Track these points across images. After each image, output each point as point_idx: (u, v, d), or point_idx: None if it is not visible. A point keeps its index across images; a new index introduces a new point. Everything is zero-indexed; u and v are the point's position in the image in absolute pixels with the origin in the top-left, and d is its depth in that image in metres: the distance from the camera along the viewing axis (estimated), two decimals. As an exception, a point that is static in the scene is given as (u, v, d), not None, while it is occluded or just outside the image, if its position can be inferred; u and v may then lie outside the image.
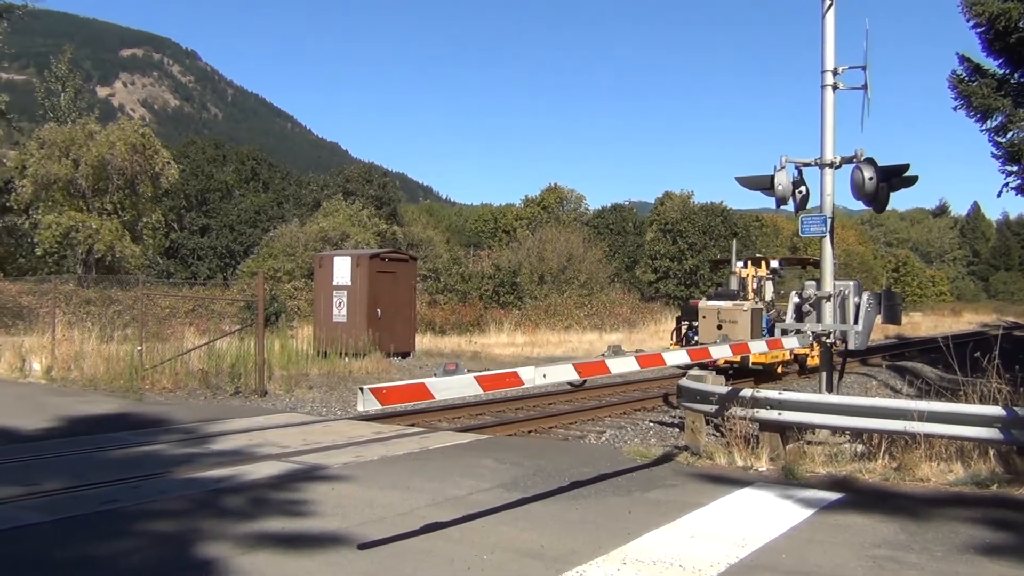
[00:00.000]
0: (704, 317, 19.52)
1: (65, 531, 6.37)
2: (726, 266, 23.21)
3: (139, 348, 16.90)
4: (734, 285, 21.23)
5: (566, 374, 6.81)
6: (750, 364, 18.10)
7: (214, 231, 57.88)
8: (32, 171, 37.39)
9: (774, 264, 22.38)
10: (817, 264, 27.82)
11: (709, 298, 20.80)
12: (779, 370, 19.44)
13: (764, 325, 19.80)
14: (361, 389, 5.09)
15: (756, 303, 19.84)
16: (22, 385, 16.41)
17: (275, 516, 6.80)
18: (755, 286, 21.61)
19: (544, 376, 6.34)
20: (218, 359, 17.04)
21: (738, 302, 19.61)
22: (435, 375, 5.62)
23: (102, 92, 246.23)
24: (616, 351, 14.18)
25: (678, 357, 8.30)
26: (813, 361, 19.55)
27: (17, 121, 38.92)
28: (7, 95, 39.52)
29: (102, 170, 38.10)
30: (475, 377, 5.86)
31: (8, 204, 39.84)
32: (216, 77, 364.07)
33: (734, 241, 23.86)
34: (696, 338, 19.85)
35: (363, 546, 5.94)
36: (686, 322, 20.88)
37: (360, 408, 5.15)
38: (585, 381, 13.02)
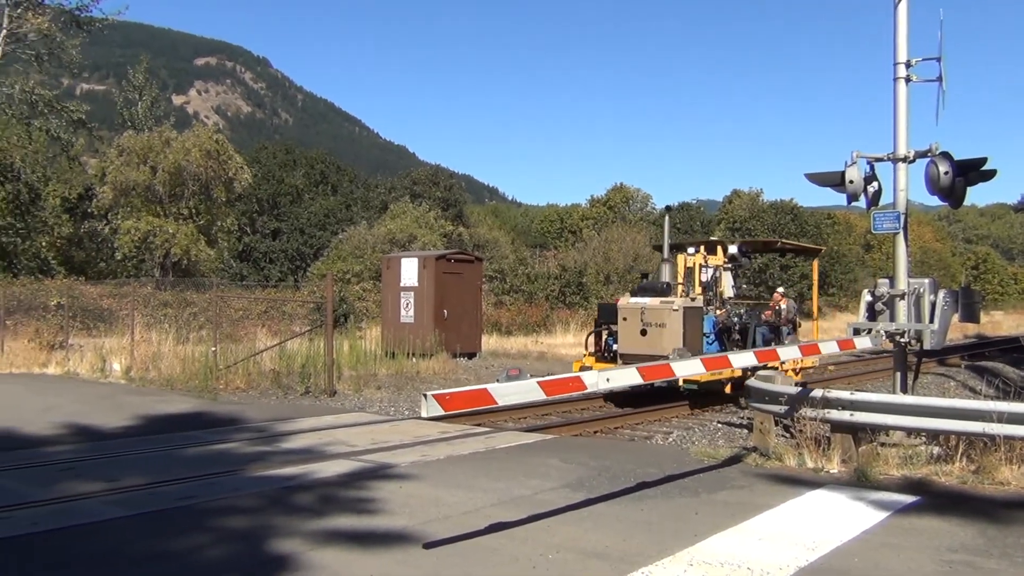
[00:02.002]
0: (624, 319, 15.04)
1: (143, 526, 6.58)
2: (679, 252, 18.00)
3: (213, 349, 17.35)
4: (666, 276, 16.42)
5: (630, 378, 6.77)
6: (680, 384, 13.94)
7: (285, 234, 59.03)
8: (112, 178, 38.69)
9: (732, 250, 17.70)
10: (799, 251, 23.20)
11: (633, 294, 16.00)
12: (727, 390, 15.03)
13: (710, 329, 15.81)
14: (424, 395, 5.15)
15: (692, 300, 15.39)
16: (103, 385, 16.98)
17: (344, 513, 6.92)
18: (705, 277, 17.02)
19: (608, 380, 6.31)
20: (289, 359, 17.40)
21: (667, 299, 15.01)
22: (498, 380, 5.65)
23: (177, 100, 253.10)
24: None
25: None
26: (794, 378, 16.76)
27: (97, 130, 40.31)
28: (87, 105, 41.01)
29: (178, 176, 39.23)
30: (538, 382, 5.86)
31: (89, 210, 41.36)
32: (287, 83, 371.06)
33: (666, 217, 17.78)
34: (615, 346, 15.45)
35: (429, 544, 6.00)
36: (607, 326, 16.22)
37: (424, 414, 5.21)
38: (651, 384, 12.92)
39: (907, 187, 10.06)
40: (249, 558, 5.76)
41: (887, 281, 10.40)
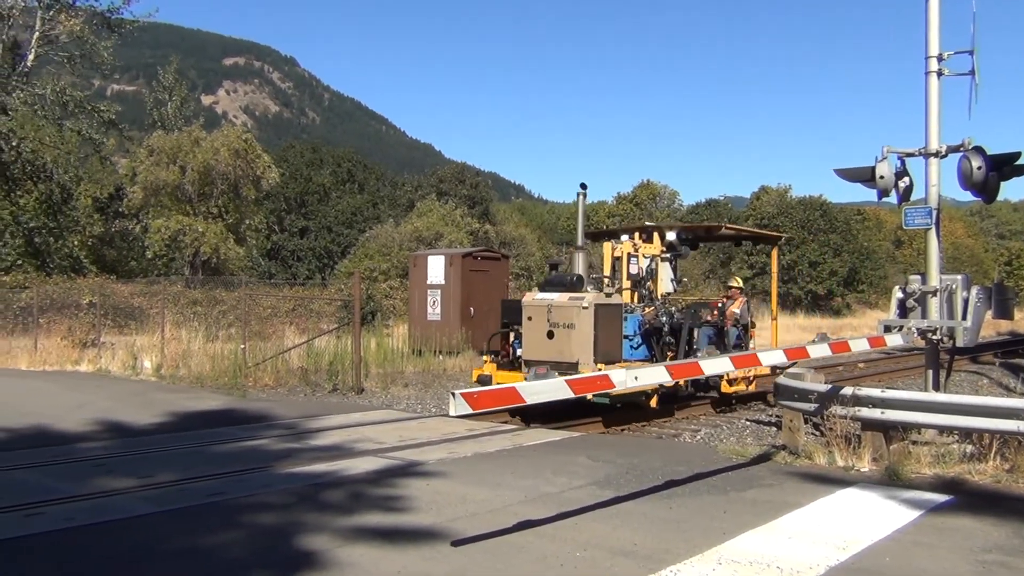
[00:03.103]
0: (529, 318, 12.64)
1: (175, 522, 6.64)
2: (606, 239, 15.33)
3: (242, 347, 17.50)
4: (579, 267, 13.42)
5: (658, 376, 6.76)
6: (589, 396, 10.44)
7: (313, 232, 59.38)
8: (142, 178, 39.15)
9: (671, 236, 15.01)
10: (756, 239, 19.27)
11: (540, 288, 13.38)
12: (652, 403, 12.82)
13: (634, 330, 13.33)
14: (453, 394, 5.16)
15: (608, 295, 12.74)
16: (134, 382, 17.17)
17: (372, 510, 6.94)
18: (635, 269, 14.46)
19: (636, 378, 6.29)
20: (317, 357, 17.51)
21: (577, 294, 12.45)
22: (526, 379, 5.64)
23: (206, 100, 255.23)
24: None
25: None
26: (730, 388, 14.32)
27: (128, 130, 40.77)
28: (118, 106, 41.51)
29: (207, 175, 39.62)
30: (566, 381, 5.86)
31: (120, 209, 41.90)
32: (314, 83, 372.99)
33: (580, 196, 14.19)
34: (519, 351, 12.98)
35: (457, 542, 6.01)
36: (514, 327, 13.40)
37: (452, 413, 5.21)
38: (678, 383, 12.71)
39: (939, 182, 9.96)
40: (279, 554, 5.80)
41: (919, 278, 10.28)
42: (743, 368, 11.00)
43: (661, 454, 9.67)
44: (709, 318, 14.49)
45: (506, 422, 12.53)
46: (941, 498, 7.35)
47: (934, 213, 9.90)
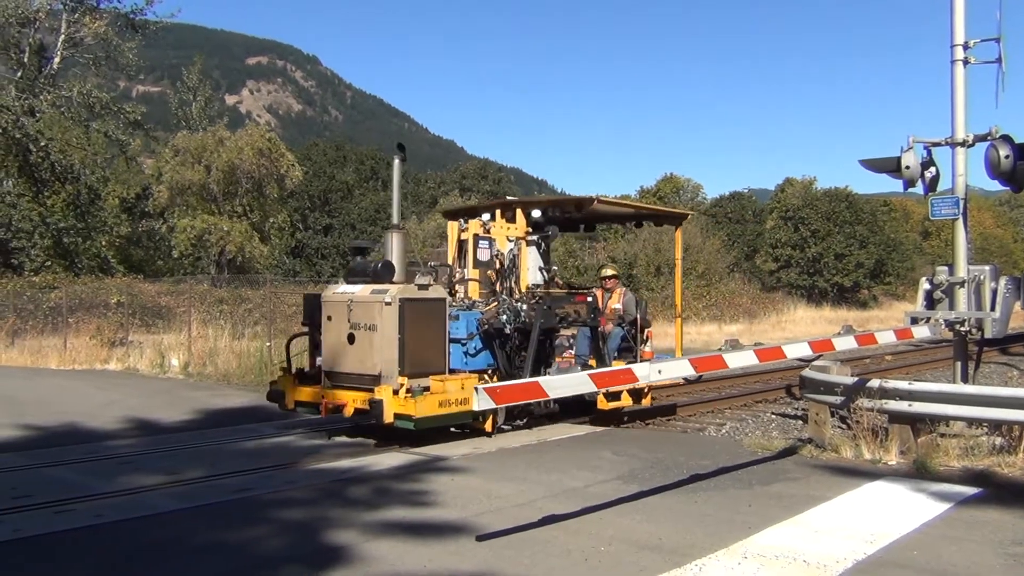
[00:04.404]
0: (329, 317, 10.16)
1: (203, 518, 6.71)
2: (464, 216, 12.15)
3: (268, 344, 17.62)
4: (393, 252, 10.54)
5: (682, 370, 6.75)
6: (389, 420, 9.21)
7: (336, 230, 59.70)
8: (168, 178, 39.62)
9: (536, 214, 12.05)
10: (656, 217, 14.91)
11: (346, 279, 10.83)
12: (487, 427, 10.18)
13: (469, 331, 10.42)
14: (476, 389, 5.19)
15: (423, 287, 9.91)
16: (162, 380, 17.35)
17: (397, 505, 6.97)
18: (485, 256, 11.53)
19: (659, 372, 6.28)
20: (341, 354, 17.57)
21: (380, 287, 9.88)
22: (548, 373, 5.65)
23: (230, 100, 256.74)
24: (734, 344, 13.76)
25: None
26: (608, 404, 11.22)
27: (153, 131, 41.23)
28: (144, 107, 41.96)
29: (232, 174, 40.01)
30: (589, 375, 5.87)
31: (147, 209, 42.35)
32: (336, 81, 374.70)
33: (396, 160, 11.55)
34: (319, 358, 10.56)
35: (481, 536, 6.02)
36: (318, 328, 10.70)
37: (475, 407, 5.23)
38: (701, 376, 12.59)
39: (966, 172, 9.86)
40: (306, 549, 5.84)
41: (946, 269, 10.18)
42: (767, 361, 10.78)
43: (686, 448, 9.64)
44: (577, 315, 11.21)
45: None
46: (970, 491, 7.28)
47: (961, 203, 9.80)
